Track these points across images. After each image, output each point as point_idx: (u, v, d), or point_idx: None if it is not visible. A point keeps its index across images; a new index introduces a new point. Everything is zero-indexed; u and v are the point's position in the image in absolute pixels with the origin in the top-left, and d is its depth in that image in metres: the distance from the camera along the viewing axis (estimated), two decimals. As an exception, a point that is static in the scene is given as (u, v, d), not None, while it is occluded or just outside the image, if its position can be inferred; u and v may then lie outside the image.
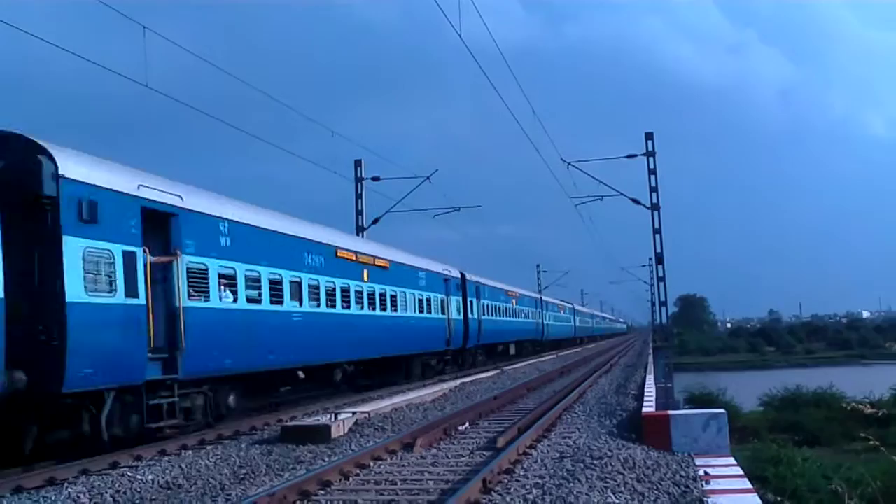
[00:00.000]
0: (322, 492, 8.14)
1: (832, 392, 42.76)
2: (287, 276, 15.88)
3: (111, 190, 10.89)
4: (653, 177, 32.38)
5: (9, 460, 10.01)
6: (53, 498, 8.44)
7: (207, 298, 12.94)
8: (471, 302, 32.24)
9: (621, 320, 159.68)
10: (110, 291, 10.63)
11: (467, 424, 13.19)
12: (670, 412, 11.27)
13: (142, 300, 11.18)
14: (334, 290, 18.39)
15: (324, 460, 10.26)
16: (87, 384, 10.18)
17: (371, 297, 20.93)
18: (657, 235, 32.63)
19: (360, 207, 30.98)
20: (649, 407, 13.37)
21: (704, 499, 7.44)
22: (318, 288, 17.46)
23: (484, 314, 34.44)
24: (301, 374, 17.26)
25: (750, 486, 8.18)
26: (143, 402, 11.29)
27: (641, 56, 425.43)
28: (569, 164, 31.33)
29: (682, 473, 8.58)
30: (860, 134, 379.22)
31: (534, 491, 7.69)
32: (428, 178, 30.43)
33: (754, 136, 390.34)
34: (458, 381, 22.31)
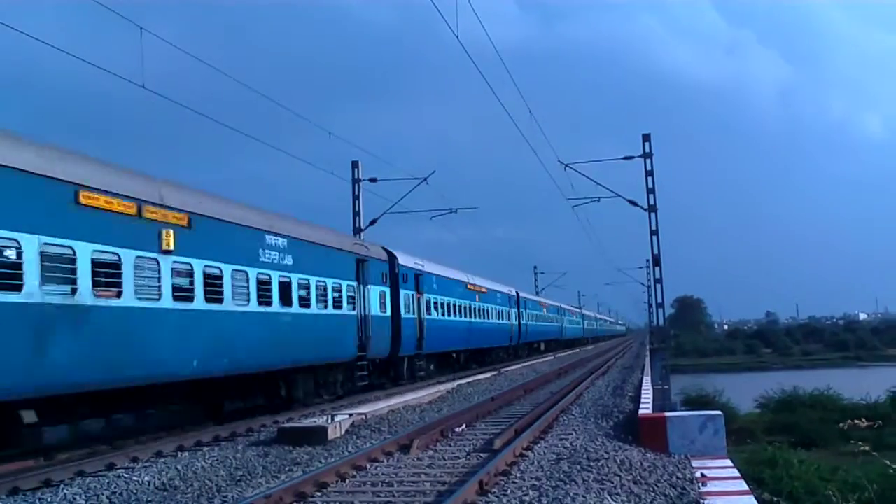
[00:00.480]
0: (318, 493, 8.13)
1: (829, 394, 42.78)
2: (452, 300, 30.01)
3: (409, 267, 24.52)
4: (650, 178, 32.34)
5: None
6: (49, 499, 8.41)
7: (430, 314, 26.50)
8: (520, 312, 44.36)
9: (620, 322, 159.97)
10: (408, 312, 23.86)
11: (464, 426, 13.19)
12: (667, 414, 11.24)
13: (415, 315, 24.89)
14: (466, 307, 32.14)
15: (320, 462, 10.24)
16: (404, 352, 23.60)
17: (478, 311, 34.19)
18: (654, 237, 32.60)
19: (357, 209, 30.88)
20: (646, 409, 13.38)
21: (701, 500, 7.44)
22: (460, 306, 31.17)
23: (528, 321, 46.80)
24: (454, 356, 31.32)
25: (746, 487, 8.18)
26: (413, 364, 25.03)
27: (637, 56, 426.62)
28: (566, 165, 31.31)
29: (679, 475, 8.58)
30: (857, 135, 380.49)
31: (530, 493, 7.69)
32: (425, 179, 30.45)
33: (752, 138, 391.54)
34: (455, 383, 22.34)
